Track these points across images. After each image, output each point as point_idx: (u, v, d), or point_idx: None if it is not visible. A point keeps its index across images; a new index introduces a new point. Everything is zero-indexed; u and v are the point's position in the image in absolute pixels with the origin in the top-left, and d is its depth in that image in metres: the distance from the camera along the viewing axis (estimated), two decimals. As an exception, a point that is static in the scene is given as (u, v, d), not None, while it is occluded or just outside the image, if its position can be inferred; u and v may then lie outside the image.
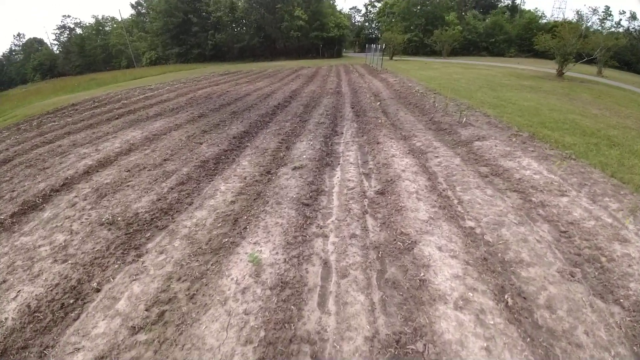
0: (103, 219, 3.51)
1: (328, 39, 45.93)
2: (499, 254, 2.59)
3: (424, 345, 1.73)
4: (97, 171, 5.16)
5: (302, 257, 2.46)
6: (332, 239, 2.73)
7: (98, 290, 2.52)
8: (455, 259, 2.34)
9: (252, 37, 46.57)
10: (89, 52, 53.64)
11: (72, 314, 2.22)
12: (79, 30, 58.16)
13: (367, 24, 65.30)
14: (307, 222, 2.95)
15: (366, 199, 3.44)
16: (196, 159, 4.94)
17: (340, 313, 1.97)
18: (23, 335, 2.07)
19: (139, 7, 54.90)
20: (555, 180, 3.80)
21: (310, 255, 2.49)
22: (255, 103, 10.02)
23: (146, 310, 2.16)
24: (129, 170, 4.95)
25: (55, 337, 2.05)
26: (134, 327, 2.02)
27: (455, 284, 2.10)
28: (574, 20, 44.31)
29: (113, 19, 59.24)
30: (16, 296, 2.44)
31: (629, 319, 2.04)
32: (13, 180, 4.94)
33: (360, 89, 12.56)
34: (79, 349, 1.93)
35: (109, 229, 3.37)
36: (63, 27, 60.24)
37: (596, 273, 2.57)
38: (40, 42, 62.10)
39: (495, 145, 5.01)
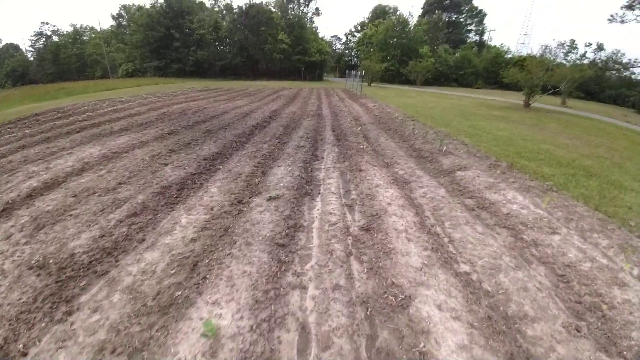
0: (33, 261, 2.83)
1: (310, 63, 47.31)
2: (501, 308, 2.27)
3: None
4: (42, 194, 4.39)
5: (274, 320, 1.97)
6: (311, 292, 2.28)
7: (25, 355, 1.91)
8: (458, 321, 1.97)
9: (234, 56, 46.83)
10: (63, 60, 51.26)
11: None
12: (56, 38, 55.69)
13: (347, 51, 68.56)
14: (282, 269, 2.48)
15: (350, 237, 3.04)
16: (157, 183, 4.33)
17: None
18: None
19: (120, 19, 53.83)
20: (544, 216, 3.67)
21: (285, 317, 2.01)
22: (233, 122, 9.58)
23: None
24: (75, 195, 4.23)
25: None
26: None
27: (462, 358, 1.71)
28: (539, 54, 49.25)
29: (92, 28, 57.47)
30: None
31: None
32: None
33: (341, 112, 12.58)
34: None
35: (38, 275, 2.70)
36: (40, 34, 57.46)
37: (599, 324, 2.33)
38: (16, 48, 58.61)
39: (478, 176, 4.91)
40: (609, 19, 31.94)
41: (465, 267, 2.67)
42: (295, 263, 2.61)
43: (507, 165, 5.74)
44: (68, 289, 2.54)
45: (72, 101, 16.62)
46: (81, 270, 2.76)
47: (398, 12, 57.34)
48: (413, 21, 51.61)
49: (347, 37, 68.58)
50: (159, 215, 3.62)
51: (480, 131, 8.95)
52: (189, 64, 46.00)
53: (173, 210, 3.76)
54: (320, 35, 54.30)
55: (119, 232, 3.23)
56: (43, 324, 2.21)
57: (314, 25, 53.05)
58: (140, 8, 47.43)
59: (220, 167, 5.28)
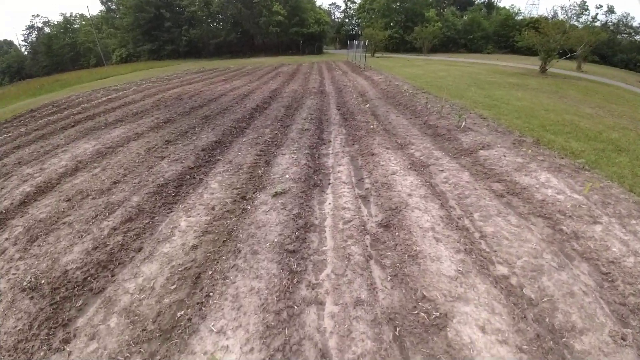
0: (25, 282, 2.60)
1: (308, 35, 44.86)
2: (547, 319, 1.94)
3: None
4: (36, 200, 4.15)
5: (290, 347, 1.68)
6: (329, 308, 1.97)
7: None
8: (505, 346, 1.65)
9: (228, 33, 44.64)
10: (56, 51, 49.85)
11: None
12: (47, 30, 53.78)
13: (347, 20, 64.70)
14: (294, 281, 2.17)
15: (368, 236, 2.70)
16: (153, 181, 4.00)
17: None
18: None
19: (109, 3, 51.28)
20: (582, 202, 3.23)
21: (301, 343, 1.72)
22: (231, 105, 9.05)
23: None
24: (69, 200, 3.96)
25: None
26: None
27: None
28: (550, 16, 45.80)
29: (82, 16, 55.08)
30: None
31: None
32: None
33: (345, 88, 11.83)
34: None
35: (32, 297, 2.48)
36: (31, 27, 55.66)
37: (643, 327, 2.02)
38: (10, 44, 57.18)
39: (504, 155, 4.43)
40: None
41: (503, 270, 2.32)
42: (309, 272, 2.29)
43: (532, 140, 5.21)
44: (64, 311, 2.32)
45: (67, 93, 16.14)
46: (76, 289, 2.52)
47: (401, -27, 53.04)
48: (417, -18, 47.72)
49: (346, 4, 64.49)
50: (156, 218, 3.32)
51: (499, 102, 8.24)
52: (182, 44, 44.18)
53: (171, 211, 3.45)
54: (318, 3, 51.10)
55: (114, 242, 2.95)
56: (42, 353, 2.01)
57: (310, -7, 49.68)
58: (127, -12, 44.88)
59: (220, 157, 4.90)
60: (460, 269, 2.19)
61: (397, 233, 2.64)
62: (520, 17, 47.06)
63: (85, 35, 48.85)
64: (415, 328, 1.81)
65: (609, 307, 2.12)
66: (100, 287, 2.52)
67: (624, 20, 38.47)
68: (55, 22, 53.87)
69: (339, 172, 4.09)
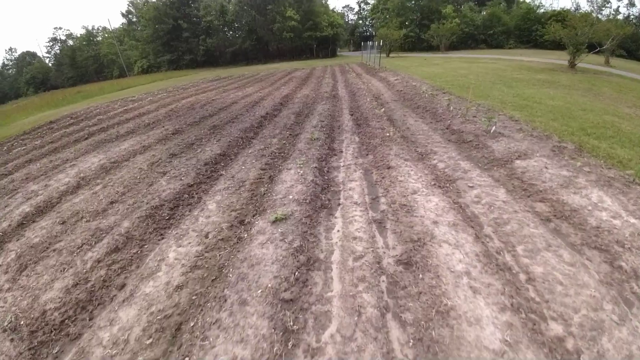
0: (6, 322, 2.35)
1: (322, 39, 44.72)
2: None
3: None
4: (34, 221, 3.99)
5: None
6: (332, 391, 1.49)
7: None
8: None
9: (244, 41, 45.41)
10: (80, 63, 52.62)
11: None
12: (71, 42, 57.13)
13: (360, 21, 64.10)
14: (289, 345, 1.70)
15: (384, 277, 2.19)
16: (148, 202, 3.69)
17: None
18: None
19: (130, 16, 53.78)
20: (650, 227, 2.55)
21: None
22: (241, 113, 8.79)
23: None
24: (64, 222, 3.74)
25: None
26: None
27: None
28: (572, 8, 43.15)
29: (104, 28, 58.19)
30: None
31: None
32: None
33: (359, 91, 11.31)
34: None
35: (12, 339, 2.23)
36: (54, 40, 59.33)
37: None
38: (33, 55, 61.21)
39: (546, 167, 3.76)
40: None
41: (557, 329, 1.74)
42: (308, 330, 1.82)
43: (574, 147, 4.48)
44: (41, 359, 2.02)
45: (87, 104, 16.73)
46: (53, 332, 2.23)
47: (415, -30, 51.82)
48: (433, -22, 46.34)
49: (359, 6, 63.95)
50: (145, 247, 2.98)
51: (530, 102, 7.42)
52: (200, 53, 45.39)
53: (163, 238, 3.10)
54: (331, 7, 50.90)
55: (96, 277, 2.63)
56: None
57: (323, -4, 49.56)
58: (146, 2, 46.79)
59: (223, 172, 4.55)
60: (508, 339, 1.63)
61: (420, 275, 2.12)
62: (542, 10, 44.49)
63: (108, 47, 51.34)
64: None
65: None
66: (76, 332, 2.20)
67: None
68: (78, 35, 56.98)
69: (350, 189, 3.60)
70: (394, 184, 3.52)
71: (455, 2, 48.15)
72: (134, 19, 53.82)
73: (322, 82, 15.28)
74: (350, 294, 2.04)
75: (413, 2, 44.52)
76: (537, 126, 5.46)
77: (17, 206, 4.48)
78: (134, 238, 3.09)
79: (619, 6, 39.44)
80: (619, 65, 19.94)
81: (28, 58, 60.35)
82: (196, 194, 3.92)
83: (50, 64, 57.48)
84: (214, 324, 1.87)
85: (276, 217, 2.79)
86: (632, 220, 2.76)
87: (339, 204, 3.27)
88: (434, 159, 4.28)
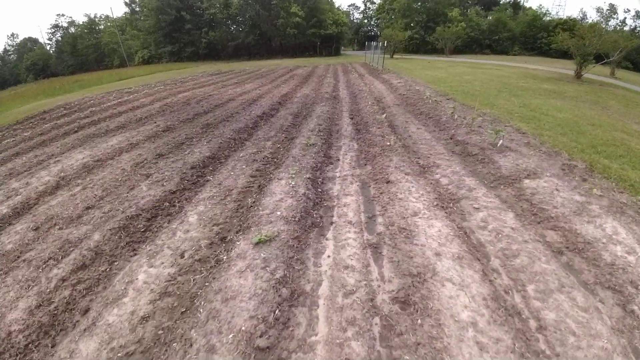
0: None
1: (326, 36, 44.22)
2: None
3: None
4: (10, 224, 3.69)
5: None
6: None
7: None
8: None
9: (247, 35, 44.83)
10: (81, 51, 51.79)
11: None
12: (72, 30, 56.18)
13: (365, 21, 63.54)
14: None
15: (377, 319, 1.90)
16: (123, 211, 3.38)
17: None
18: None
19: (133, 5, 52.97)
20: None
21: None
22: (237, 111, 8.46)
23: None
24: (37, 228, 3.44)
25: None
26: None
27: None
28: (579, 17, 42.95)
29: (107, 17, 57.25)
30: None
31: None
32: None
33: (360, 93, 11.00)
34: None
35: None
36: (57, 26, 58.37)
37: None
38: (34, 41, 60.19)
39: (557, 189, 3.48)
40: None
41: None
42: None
43: (585, 167, 4.22)
44: None
45: (83, 94, 16.32)
46: (18, 356, 1.96)
47: (423, -28, 51.29)
48: (440, -19, 45.88)
49: (365, 5, 63.47)
50: (115, 264, 2.68)
51: (537, 113, 7.15)
52: (202, 46, 44.79)
53: (135, 254, 2.80)
54: (336, 4, 50.33)
55: (59, 299, 2.34)
56: None
57: (329, -6, 48.99)
58: (149, -9, 46.07)
59: (210, 177, 4.23)
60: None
61: (419, 321, 1.83)
62: (549, 18, 44.22)
63: (109, 36, 50.58)
64: None
65: None
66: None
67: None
68: (81, 23, 56.12)
69: (345, 205, 3.30)
70: (393, 201, 3.22)
71: (461, 6, 47.78)
72: (137, 9, 53.06)
73: (324, 81, 14.94)
74: (337, 341, 1.75)
75: (419, 3, 44.09)
76: (546, 141, 5.18)
77: (-6, 206, 4.16)
78: (104, 254, 2.79)
79: (625, 17, 39.12)
80: (624, 78, 19.73)
81: (29, 44, 59.38)
82: (178, 202, 3.61)
83: (51, 51, 56.57)
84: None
85: (260, 239, 2.48)
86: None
87: (332, 223, 2.97)
88: (437, 174, 3.99)
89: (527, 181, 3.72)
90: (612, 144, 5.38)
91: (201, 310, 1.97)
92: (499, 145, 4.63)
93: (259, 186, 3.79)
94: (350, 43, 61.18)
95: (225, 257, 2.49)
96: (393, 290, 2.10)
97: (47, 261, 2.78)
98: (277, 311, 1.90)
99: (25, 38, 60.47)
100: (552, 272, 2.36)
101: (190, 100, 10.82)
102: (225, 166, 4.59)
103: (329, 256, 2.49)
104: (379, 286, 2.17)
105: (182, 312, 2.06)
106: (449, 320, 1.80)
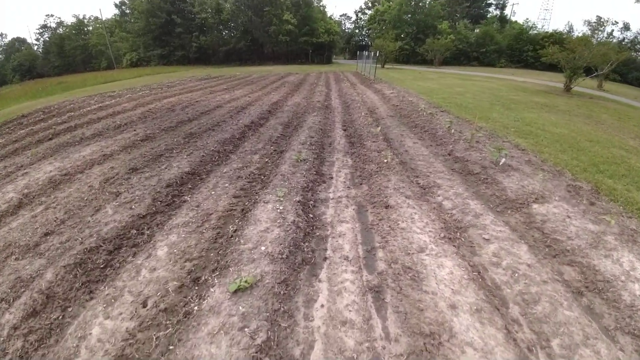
0: None
1: (318, 45, 44.44)
2: None
3: None
4: None
5: None
6: None
7: None
8: None
9: (238, 41, 44.56)
10: (68, 52, 50.26)
11: None
12: (61, 30, 54.52)
13: (357, 30, 64.46)
14: None
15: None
16: (82, 241, 2.88)
17: None
18: None
19: (123, 7, 51.90)
20: None
21: None
22: (224, 120, 8.02)
23: None
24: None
25: None
26: None
27: None
28: (565, 30, 44.70)
29: (96, 18, 55.88)
30: None
31: None
32: None
33: (353, 102, 10.75)
34: None
35: None
36: (45, 27, 56.57)
37: None
38: (22, 41, 58.05)
39: (568, 217, 3.20)
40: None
41: None
42: None
43: (590, 188, 4.00)
44: None
45: (65, 97, 15.53)
46: None
47: (413, -15, 52.58)
48: (429, -6, 47.07)
49: (357, 15, 64.34)
50: (69, 311, 2.21)
51: (533, 127, 7.02)
52: (192, 50, 44.19)
53: (92, 298, 2.31)
54: (329, 14, 50.79)
55: (13, 350, 1.86)
56: None
57: (321, 3, 49.54)
58: (140, -7, 45.32)
59: (188, 197, 3.77)
60: None
61: (438, 406, 1.44)
62: (535, 32, 45.90)
63: (98, 37, 49.41)
64: None
65: None
66: None
67: (639, 37, 37.49)
68: (69, 23, 54.71)
69: (340, 235, 2.91)
70: (394, 231, 2.85)
71: (450, 19, 49.10)
72: (127, 11, 52.02)
73: (315, 89, 14.68)
74: None
75: (410, 15, 44.99)
76: (547, 159, 4.98)
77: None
78: (56, 297, 2.30)
79: (612, 30, 40.87)
80: (612, 90, 20.29)
81: (17, 44, 57.27)
82: (148, 229, 3.13)
83: (38, 52, 54.68)
84: None
85: (239, 286, 2.05)
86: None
87: (325, 258, 2.57)
88: (439, 195, 3.66)
89: (535, 206, 3.43)
90: (612, 162, 5.23)
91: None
92: (501, 163, 4.36)
93: (243, 210, 3.36)
94: (342, 52, 61.78)
95: (196, 308, 2.05)
96: (402, 355, 1.71)
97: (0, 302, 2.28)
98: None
99: (13, 38, 58.38)
100: (575, 320, 2.04)
101: (175, 107, 10.30)
102: (206, 184, 4.14)
103: (322, 305, 2.08)
104: (384, 348, 1.78)
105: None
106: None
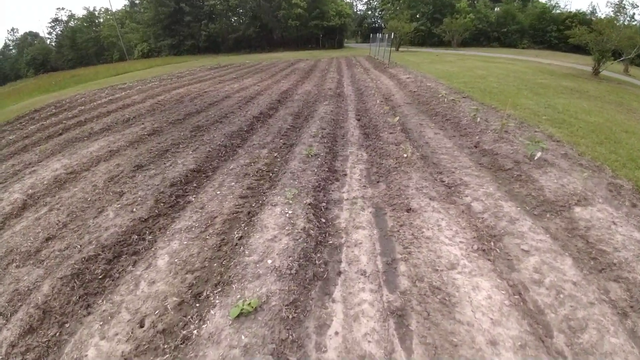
0: None
1: (328, 29, 42.91)
2: None
3: None
4: None
5: None
6: None
7: None
8: None
9: (247, 27, 43.62)
10: (80, 45, 50.82)
11: None
12: (72, 23, 55.11)
13: (369, 12, 61.79)
14: None
15: None
16: (81, 249, 2.72)
17: None
18: None
19: (133, -3, 51.75)
20: None
21: None
22: (232, 111, 7.74)
23: None
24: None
25: None
26: None
27: None
28: (588, 11, 41.24)
29: (107, 10, 56.06)
30: None
31: None
32: None
33: (367, 89, 10.20)
34: None
35: None
36: (56, 20, 57.34)
37: None
38: (35, 35, 59.16)
39: (614, 223, 2.76)
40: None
41: None
42: None
43: (631, 187, 3.50)
44: None
45: (76, 91, 15.67)
46: None
47: (430, -40, 49.36)
48: (447, -30, 44.09)
49: (370, -4, 61.49)
50: (66, 327, 2.07)
51: (566, 115, 6.35)
52: (201, 39, 43.74)
53: (89, 313, 2.15)
54: (340, -5, 48.64)
55: None
56: None
57: (332, -16, 47.39)
58: (148, -18, 44.84)
59: (192, 198, 3.55)
60: None
61: None
62: (558, 11, 42.53)
63: (109, 29, 49.62)
64: None
65: None
66: None
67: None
68: (80, 16, 55.12)
69: (355, 244, 2.60)
70: (419, 240, 2.52)
71: (469, -4, 46.09)
72: (137, 1, 51.80)
73: (327, 76, 14.10)
74: None
75: (426, -7, 42.57)
76: (584, 152, 4.42)
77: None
78: (53, 312, 2.15)
79: (634, 13, 37.28)
80: (638, 75, 18.69)
81: (30, 39, 58.38)
82: (149, 233, 2.94)
83: (51, 46, 55.61)
84: None
85: (241, 310, 1.80)
86: None
87: (340, 273, 2.28)
88: (467, 196, 3.27)
89: (578, 209, 3.00)
90: (650, 158, 4.63)
91: None
92: (536, 158, 3.89)
93: (249, 213, 3.10)
94: (354, 35, 59.67)
95: (195, 332, 1.82)
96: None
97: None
98: None
99: (25, 32, 59.48)
100: (620, 348, 1.70)
101: (184, 98, 10.09)
102: (212, 182, 3.90)
103: (337, 333, 1.80)
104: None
105: None
106: None
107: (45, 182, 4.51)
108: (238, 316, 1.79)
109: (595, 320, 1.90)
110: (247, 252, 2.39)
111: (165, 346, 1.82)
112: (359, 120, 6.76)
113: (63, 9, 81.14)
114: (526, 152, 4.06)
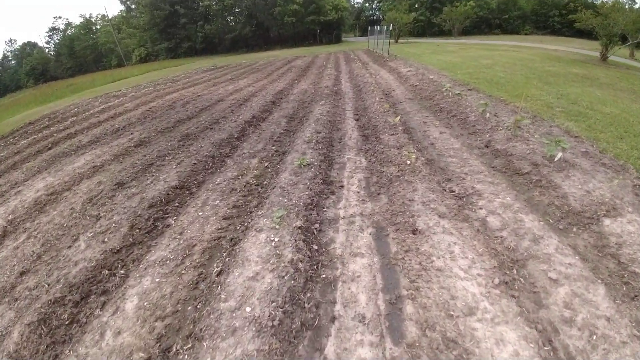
0: None
1: (325, 23, 42.15)
2: None
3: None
4: None
5: None
6: None
7: None
8: None
9: (243, 26, 43.08)
10: (78, 53, 50.82)
11: None
12: (70, 32, 55.09)
13: (367, 4, 60.61)
14: None
15: None
16: (49, 288, 2.41)
17: None
18: None
19: (128, 2, 51.36)
20: None
21: None
22: (224, 116, 7.38)
23: None
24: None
25: None
26: None
27: None
28: None
29: (103, 16, 55.87)
30: None
31: None
32: None
33: (366, 85, 9.74)
34: None
35: None
36: (54, 29, 57.42)
37: None
38: (33, 45, 59.33)
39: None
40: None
41: None
42: None
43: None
44: None
45: (72, 101, 15.49)
46: None
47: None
48: (446, -44, 42.84)
49: (366, -12, 60.26)
50: None
51: (581, 107, 5.84)
52: (198, 41, 43.37)
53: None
54: (336, -12, 47.64)
55: None
56: None
57: (327, -22, 46.40)
58: (142, -14, 44.45)
59: (172, 221, 3.21)
60: None
61: None
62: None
63: (106, 36, 49.53)
64: None
65: None
66: None
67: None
68: (77, 24, 55.03)
69: (353, 277, 2.23)
70: (428, 272, 2.14)
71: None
72: (133, 6, 51.46)
73: (324, 73, 13.64)
74: None
75: (424, -18, 41.48)
76: (606, 149, 3.96)
77: None
78: None
79: None
80: None
81: (28, 49, 58.54)
82: (122, 266, 2.60)
83: (50, 55, 55.71)
84: None
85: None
86: None
87: (333, 319, 1.91)
88: (481, 208, 2.86)
89: (607, 222, 2.58)
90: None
91: None
92: (556, 159, 3.45)
93: (232, 240, 2.74)
94: (352, 29, 58.69)
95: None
96: None
97: None
98: None
99: (24, 43, 59.66)
100: None
101: (176, 103, 9.76)
102: (195, 200, 3.55)
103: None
104: None
105: None
106: None
107: (26, 206, 4.22)
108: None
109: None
110: (223, 296, 2.03)
111: None
112: (357, 120, 6.35)
113: (60, 17, 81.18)
114: (545, 152, 3.62)
